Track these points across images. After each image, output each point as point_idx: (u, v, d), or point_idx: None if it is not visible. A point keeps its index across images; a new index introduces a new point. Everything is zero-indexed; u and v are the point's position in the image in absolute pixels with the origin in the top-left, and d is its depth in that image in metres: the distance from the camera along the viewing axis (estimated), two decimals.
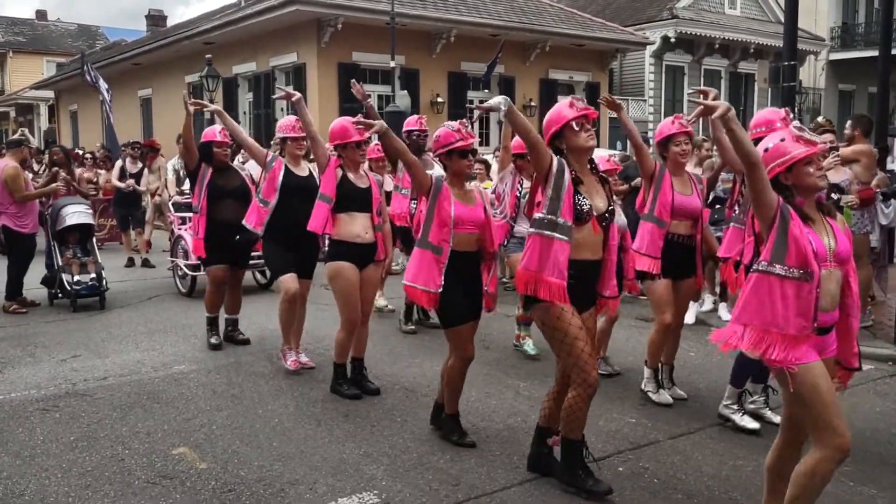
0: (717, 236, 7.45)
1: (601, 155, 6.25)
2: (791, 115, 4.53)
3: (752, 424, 4.67)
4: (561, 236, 3.55)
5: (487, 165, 9.91)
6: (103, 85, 14.59)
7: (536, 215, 3.64)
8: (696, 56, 25.35)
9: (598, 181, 3.79)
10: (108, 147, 16.68)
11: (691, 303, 7.70)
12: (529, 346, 6.37)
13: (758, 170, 2.93)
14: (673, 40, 24.16)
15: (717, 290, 7.95)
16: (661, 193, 4.92)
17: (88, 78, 14.77)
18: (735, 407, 4.76)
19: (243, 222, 5.92)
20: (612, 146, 20.64)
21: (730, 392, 4.79)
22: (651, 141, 7.20)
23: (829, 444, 2.93)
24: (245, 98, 20.83)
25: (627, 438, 4.58)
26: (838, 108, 28.35)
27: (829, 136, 6.28)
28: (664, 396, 5.21)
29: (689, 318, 7.56)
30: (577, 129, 3.67)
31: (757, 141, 4.28)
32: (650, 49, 24.07)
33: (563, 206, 3.55)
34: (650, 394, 5.24)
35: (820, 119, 10.91)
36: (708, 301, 7.94)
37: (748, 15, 26.48)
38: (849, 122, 8.54)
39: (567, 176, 3.59)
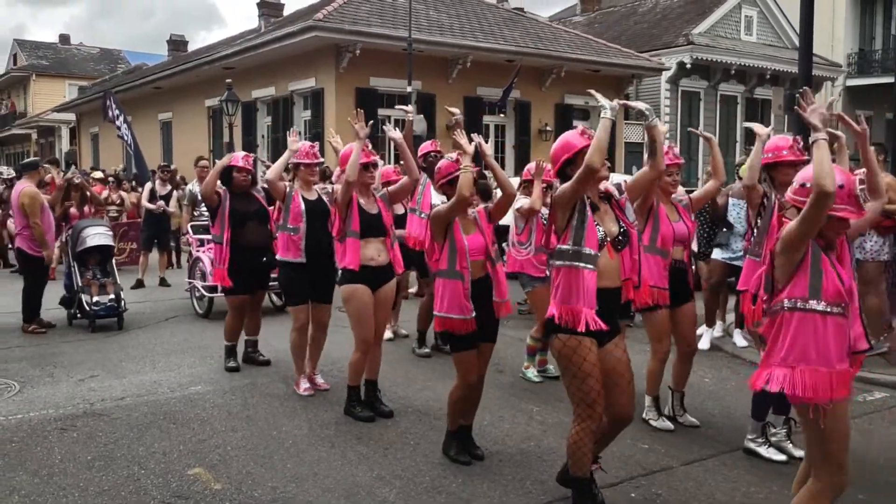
0: (722, 258, 7.46)
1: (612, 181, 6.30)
2: (801, 144, 4.55)
3: (778, 457, 4.64)
4: (587, 265, 3.58)
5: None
6: (124, 119, 14.74)
7: (561, 247, 3.65)
8: (711, 82, 25.39)
9: (605, 203, 3.83)
10: (126, 170, 16.94)
11: (705, 328, 7.71)
12: (532, 374, 6.42)
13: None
14: (689, 66, 24.22)
15: (727, 316, 7.93)
16: (662, 225, 4.95)
17: (110, 113, 14.94)
18: (760, 440, 4.73)
19: (278, 256, 5.94)
20: (627, 171, 20.65)
21: (753, 426, 4.76)
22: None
23: (832, 480, 3.00)
24: (263, 122, 21.08)
25: (640, 464, 4.58)
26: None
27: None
28: (665, 423, 5.22)
29: (704, 343, 7.56)
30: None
31: (768, 167, 4.31)
32: (666, 75, 24.15)
33: (587, 234, 3.59)
34: (651, 421, 5.24)
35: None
36: (718, 327, 7.92)
37: (764, 41, 26.53)
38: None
39: (588, 207, 3.64)
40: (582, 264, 3.57)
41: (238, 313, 6.66)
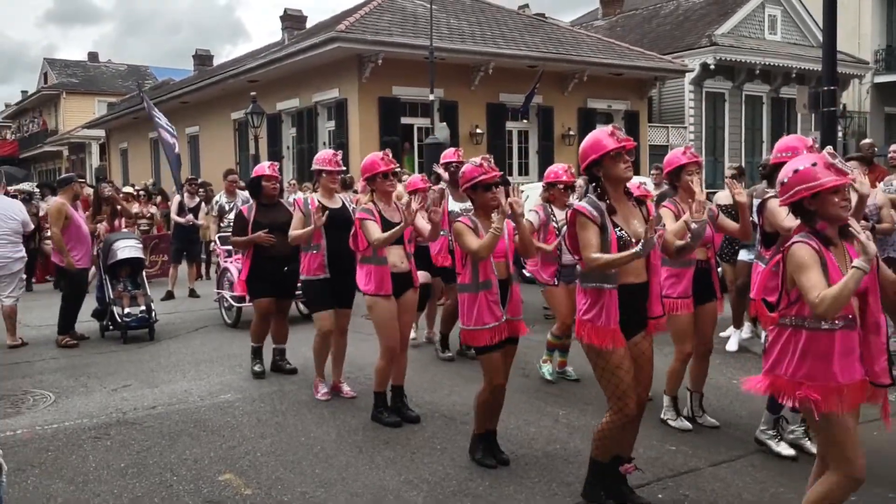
0: (748, 259, 7.42)
1: (633, 182, 6.30)
2: (817, 144, 4.52)
3: (787, 451, 4.63)
4: (610, 286, 3.67)
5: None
6: (162, 120, 14.78)
7: (584, 270, 3.75)
8: (736, 82, 25.21)
9: (633, 205, 3.86)
10: (155, 184, 17.07)
11: (733, 330, 7.66)
12: (547, 370, 6.45)
13: None
14: (712, 67, 24.07)
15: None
16: None
17: (153, 113, 15.04)
18: (771, 433, 4.73)
19: (303, 276, 5.99)
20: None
21: (766, 417, 4.76)
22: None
23: (845, 472, 3.05)
24: (288, 133, 21.30)
25: (667, 466, 4.57)
26: (884, 132, 27.85)
27: (854, 164, 6.20)
28: (683, 423, 5.22)
29: (732, 345, 7.52)
30: (616, 159, 3.72)
31: (778, 166, 4.27)
32: (689, 76, 24.01)
33: (610, 251, 3.65)
34: (669, 421, 5.25)
35: (865, 142, 10.82)
36: (746, 328, 7.86)
37: (789, 40, 26.29)
38: (893, 147, 8.45)
39: (608, 222, 3.68)
40: (606, 285, 3.68)
41: (263, 317, 6.78)
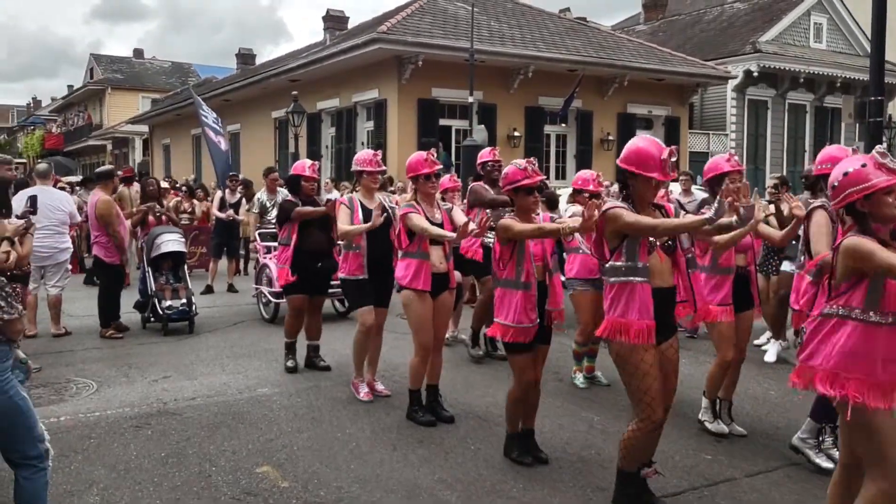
0: (791, 270, 7.33)
1: (586, 175, 6.46)
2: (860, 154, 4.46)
3: (826, 464, 4.51)
4: (642, 279, 3.64)
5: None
6: (209, 117, 14.88)
7: (614, 264, 3.70)
8: (779, 90, 24.87)
9: (653, 209, 3.84)
10: (196, 179, 17.24)
11: (772, 341, 7.57)
12: (580, 380, 6.45)
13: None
14: (756, 74, 23.77)
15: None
16: None
17: (203, 112, 15.17)
18: (812, 442, 4.63)
19: (341, 275, 6.03)
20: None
21: (808, 425, 4.66)
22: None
23: (888, 478, 2.93)
24: (328, 132, 21.49)
25: (703, 475, 4.54)
26: None
27: None
28: (720, 426, 5.19)
29: (771, 356, 7.44)
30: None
31: (821, 177, 4.19)
32: (732, 83, 23.73)
33: (640, 248, 3.64)
34: (706, 423, 5.24)
35: None
36: (790, 335, 7.75)
37: (835, 48, 25.87)
38: None
39: None
40: (637, 278, 3.63)
41: (297, 313, 6.87)
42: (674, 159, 3.69)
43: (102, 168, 9.68)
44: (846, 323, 2.99)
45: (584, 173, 6.53)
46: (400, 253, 5.45)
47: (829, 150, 4.56)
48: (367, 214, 5.81)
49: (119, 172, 11.18)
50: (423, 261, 5.32)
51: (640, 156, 3.69)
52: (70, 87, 54.07)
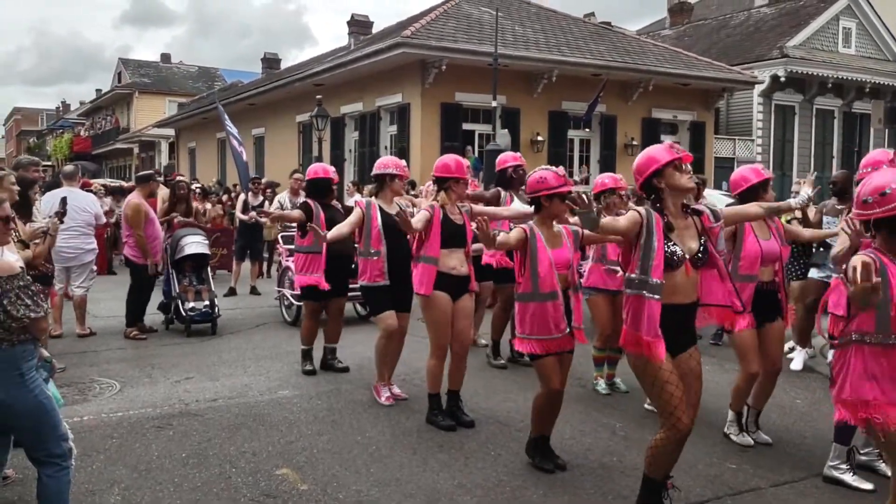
0: (818, 277, 7.23)
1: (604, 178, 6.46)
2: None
3: (865, 485, 4.34)
4: (651, 295, 3.55)
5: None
6: (233, 129, 15.04)
7: (629, 276, 3.68)
8: (807, 96, 24.58)
9: (689, 218, 3.74)
10: (220, 183, 17.32)
11: (798, 349, 7.45)
12: (601, 386, 6.38)
13: None
14: (783, 79, 23.52)
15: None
16: (747, 245, 4.82)
17: (225, 121, 15.32)
18: (844, 467, 4.45)
19: (361, 282, 5.97)
20: (717, 186, 20.16)
21: (837, 451, 4.47)
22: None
23: None
24: (351, 137, 21.57)
25: (727, 484, 4.46)
26: None
27: None
28: (746, 439, 5.11)
29: (797, 364, 7.31)
30: (677, 170, 3.65)
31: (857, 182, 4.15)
32: (759, 88, 23.49)
33: (654, 263, 3.55)
34: (731, 436, 5.16)
35: None
36: (817, 341, 7.63)
37: (863, 54, 25.54)
38: None
39: (656, 231, 3.57)
40: (646, 294, 3.56)
41: (314, 318, 6.88)
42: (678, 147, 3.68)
43: (142, 172, 9.91)
44: (862, 348, 2.99)
45: (602, 177, 6.47)
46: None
47: (872, 154, 4.57)
48: (388, 220, 5.80)
49: (159, 177, 11.30)
50: (428, 265, 5.30)
51: (651, 158, 3.68)
52: (98, 91, 54.89)
